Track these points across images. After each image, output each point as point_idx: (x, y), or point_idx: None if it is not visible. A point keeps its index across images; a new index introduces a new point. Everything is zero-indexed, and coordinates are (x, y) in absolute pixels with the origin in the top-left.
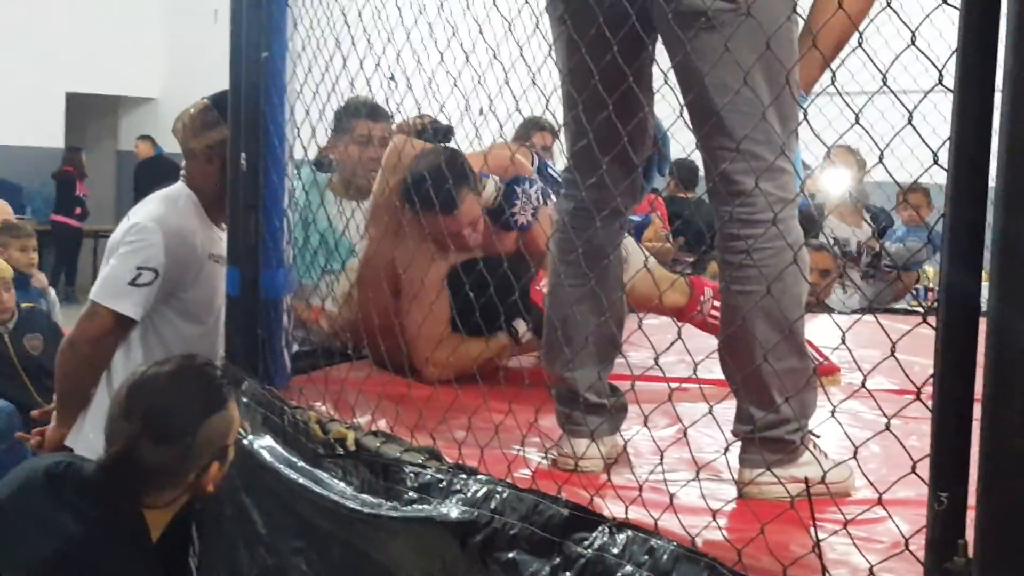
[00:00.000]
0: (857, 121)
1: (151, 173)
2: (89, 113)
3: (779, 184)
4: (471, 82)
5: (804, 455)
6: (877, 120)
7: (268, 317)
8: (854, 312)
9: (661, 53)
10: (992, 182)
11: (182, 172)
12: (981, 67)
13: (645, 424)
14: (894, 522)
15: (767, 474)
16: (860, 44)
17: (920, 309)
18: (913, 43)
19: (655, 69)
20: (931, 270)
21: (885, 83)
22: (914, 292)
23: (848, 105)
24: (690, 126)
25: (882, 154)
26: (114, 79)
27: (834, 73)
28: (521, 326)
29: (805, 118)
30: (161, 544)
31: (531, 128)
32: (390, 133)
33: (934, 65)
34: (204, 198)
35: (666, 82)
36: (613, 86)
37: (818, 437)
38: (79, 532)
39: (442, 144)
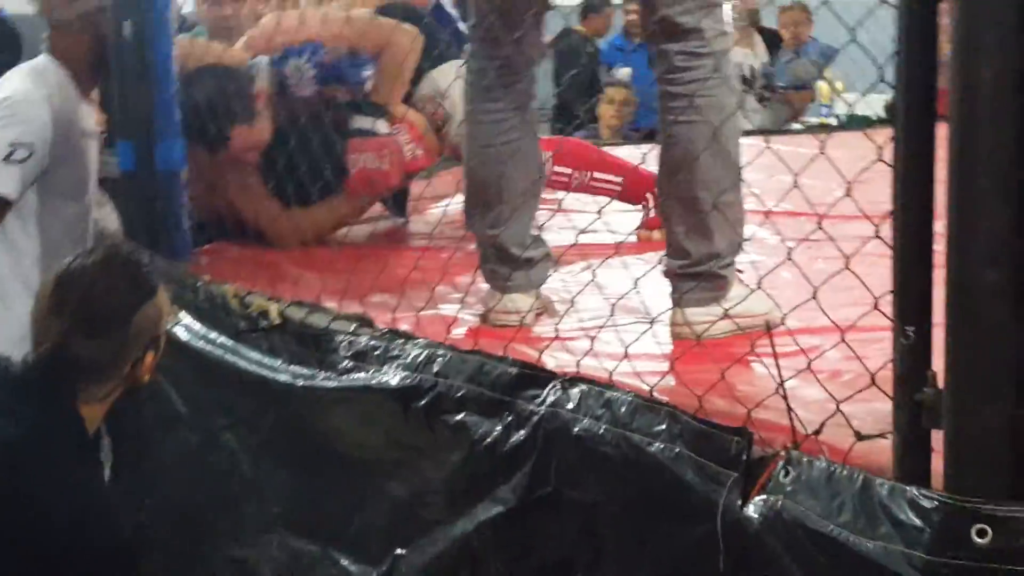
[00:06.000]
0: None
1: None
2: None
3: (717, 18)
4: None
5: (732, 290)
6: None
7: (167, 190)
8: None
9: None
10: None
11: (43, 43)
12: None
13: (593, 278)
14: (859, 359)
15: (700, 314)
16: None
17: (833, 122)
18: None
19: None
20: (824, 87)
21: None
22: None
23: None
24: None
25: None
26: None
27: None
28: None
29: None
30: (97, 438)
31: None
32: None
33: None
34: (74, 70)
35: None
36: None
37: (741, 272)
38: (15, 434)
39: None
